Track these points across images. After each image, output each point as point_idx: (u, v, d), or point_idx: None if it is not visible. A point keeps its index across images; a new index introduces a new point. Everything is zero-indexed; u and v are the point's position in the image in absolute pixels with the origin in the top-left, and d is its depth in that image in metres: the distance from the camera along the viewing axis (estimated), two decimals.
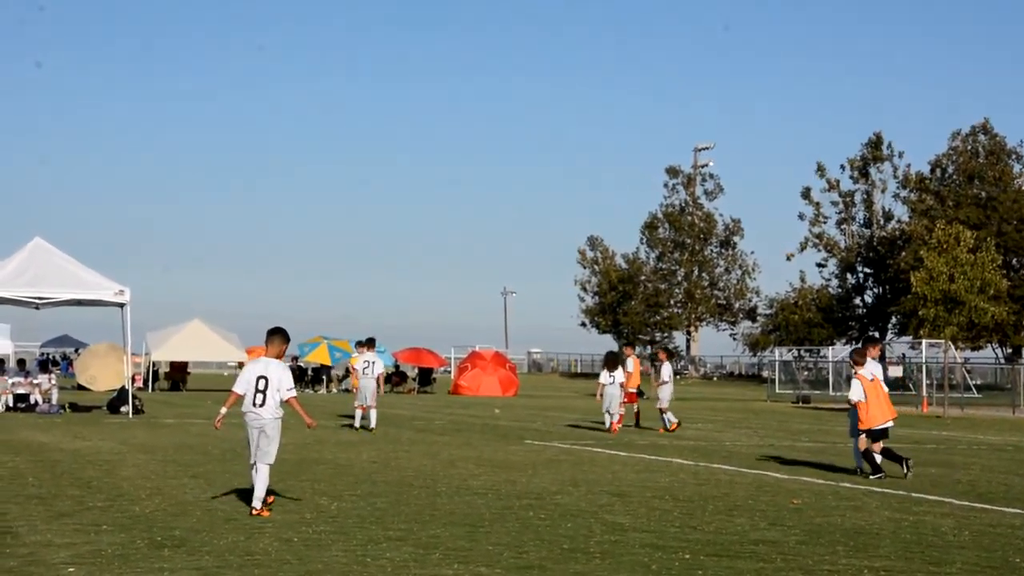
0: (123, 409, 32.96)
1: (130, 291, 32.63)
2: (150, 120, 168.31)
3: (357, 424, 27.16)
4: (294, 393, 12.93)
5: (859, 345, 17.88)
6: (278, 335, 13.09)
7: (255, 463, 12.82)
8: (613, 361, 29.06)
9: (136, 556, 10.10)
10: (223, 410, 13.22)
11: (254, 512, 12.47)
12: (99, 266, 33.88)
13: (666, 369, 30.48)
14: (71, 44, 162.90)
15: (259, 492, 12.65)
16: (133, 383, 36.58)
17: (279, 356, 13.16)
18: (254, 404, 12.76)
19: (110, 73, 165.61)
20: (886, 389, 18.29)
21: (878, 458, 17.78)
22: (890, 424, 17.96)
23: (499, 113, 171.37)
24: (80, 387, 52.63)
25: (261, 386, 12.74)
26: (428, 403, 47.28)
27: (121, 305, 32.92)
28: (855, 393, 17.88)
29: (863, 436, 17.89)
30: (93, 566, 9.65)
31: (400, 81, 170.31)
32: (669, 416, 29.34)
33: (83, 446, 21.74)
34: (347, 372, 46.37)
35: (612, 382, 28.47)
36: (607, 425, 28.62)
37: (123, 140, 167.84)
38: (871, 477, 17.52)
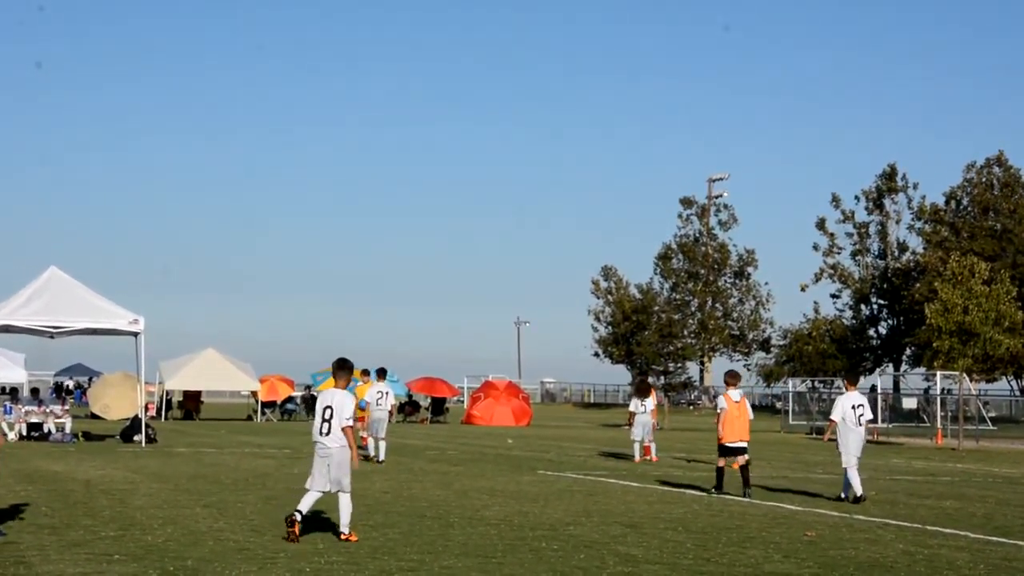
0: (136, 438, 33.01)
1: (144, 320, 32.71)
2: (158, 139, 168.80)
3: (372, 453, 26.71)
4: (351, 423, 13.26)
5: (732, 370, 20.55)
6: (342, 368, 13.52)
7: (316, 490, 13.19)
8: (645, 389, 29.02)
9: None
10: None
11: (343, 537, 12.95)
12: (113, 295, 34.00)
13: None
14: (71, 44, 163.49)
15: (344, 519, 13.11)
16: (146, 412, 36.61)
17: (346, 386, 13.61)
18: (320, 433, 13.20)
19: (110, 74, 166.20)
20: (751, 415, 20.00)
21: (745, 478, 19.49)
22: (742, 444, 19.50)
23: (513, 142, 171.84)
24: (93, 416, 52.65)
25: (327, 416, 13.18)
26: (441, 433, 47.20)
27: (135, 334, 32.99)
28: (720, 405, 19.88)
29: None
30: None
31: (412, 109, 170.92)
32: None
33: (96, 475, 21.75)
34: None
35: (644, 411, 28.46)
36: (637, 454, 28.54)
37: (133, 155, 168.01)
38: (712, 492, 19.55)
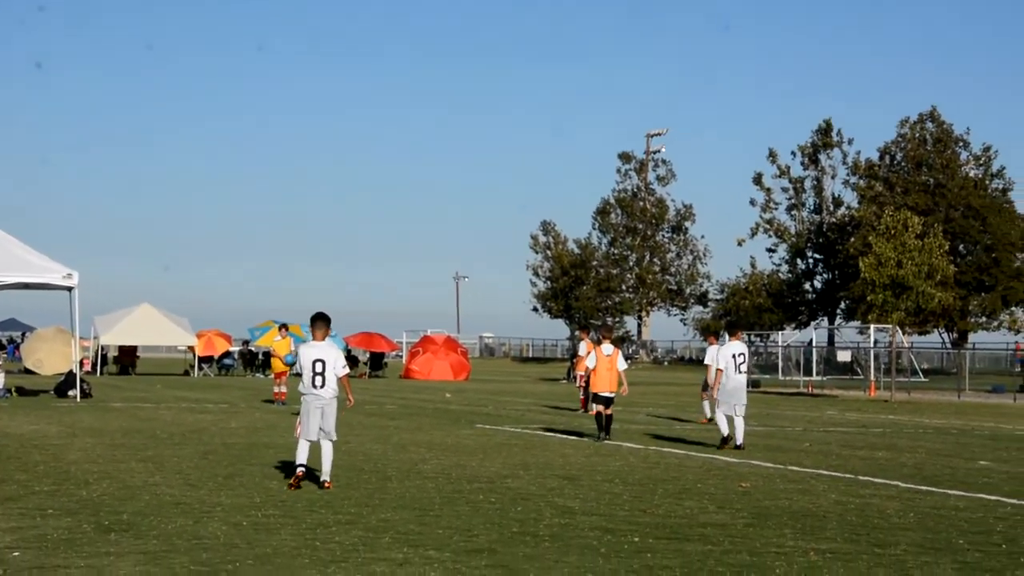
0: (71, 393, 32.68)
1: (78, 275, 32.32)
2: (139, 117, 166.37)
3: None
4: (347, 371, 13.89)
5: (608, 323, 22.37)
6: (323, 320, 13.91)
7: (312, 439, 13.63)
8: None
9: (82, 540, 10.03)
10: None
11: (323, 483, 13.42)
12: (47, 249, 33.54)
13: (711, 352, 28.73)
14: (71, 44, 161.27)
15: (327, 467, 13.60)
16: (81, 367, 36.27)
17: (325, 338, 13.95)
18: (314, 385, 13.61)
19: (110, 73, 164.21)
20: (623, 366, 21.17)
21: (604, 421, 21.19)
22: (610, 395, 21.09)
23: (453, 98, 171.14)
24: (27, 371, 52.09)
25: (319, 368, 13.63)
26: (379, 387, 47.19)
27: (69, 289, 32.60)
28: (589, 361, 21.44)
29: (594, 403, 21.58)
30: (39, 550, 9.56)
31: (353, 67, 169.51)
32: (705, 407, 26.79)
33: (30, 430, 21.53)
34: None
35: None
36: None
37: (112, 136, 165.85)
38: (600, 438, 20.90)
